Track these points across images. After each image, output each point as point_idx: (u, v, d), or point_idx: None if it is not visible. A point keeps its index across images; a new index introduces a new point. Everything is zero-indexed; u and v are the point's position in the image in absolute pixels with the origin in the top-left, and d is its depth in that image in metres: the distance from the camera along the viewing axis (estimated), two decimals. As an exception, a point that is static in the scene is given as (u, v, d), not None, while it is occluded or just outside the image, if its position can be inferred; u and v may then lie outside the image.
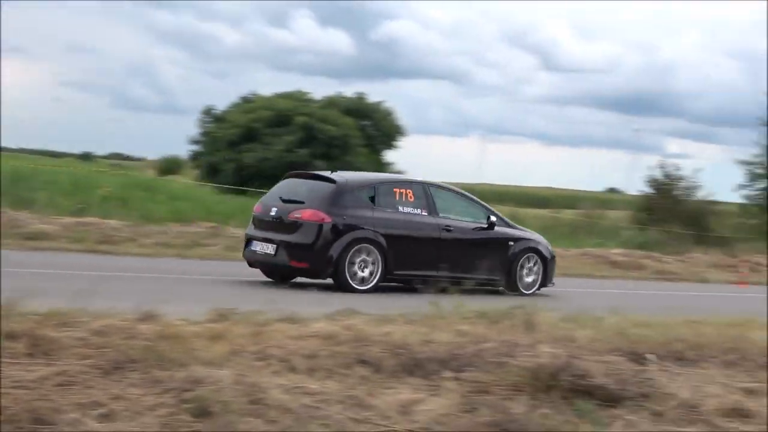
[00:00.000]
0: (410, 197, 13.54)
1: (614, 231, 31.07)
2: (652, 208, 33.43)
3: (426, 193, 13.73)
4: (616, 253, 23.88)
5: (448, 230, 13.58)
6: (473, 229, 13.88)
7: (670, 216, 32.30)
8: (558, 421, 4.71)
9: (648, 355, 6.12)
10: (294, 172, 14.91)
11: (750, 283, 21.46)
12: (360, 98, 41.59)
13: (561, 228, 32.12)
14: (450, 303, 7.40)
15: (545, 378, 5.14)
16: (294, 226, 12.74)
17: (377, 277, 12.83)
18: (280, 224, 12.93)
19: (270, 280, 13.20)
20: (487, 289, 13.52)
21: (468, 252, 13.67)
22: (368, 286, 12.72)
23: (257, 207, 13.61)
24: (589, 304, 8.16)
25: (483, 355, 5.60)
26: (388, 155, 41.23)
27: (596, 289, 15.59)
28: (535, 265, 14.15)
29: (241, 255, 13.55)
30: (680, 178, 34.20)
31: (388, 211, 13.21)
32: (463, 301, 7.54)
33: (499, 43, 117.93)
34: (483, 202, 14.55)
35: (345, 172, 14.71)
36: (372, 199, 13.18)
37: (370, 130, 40.46)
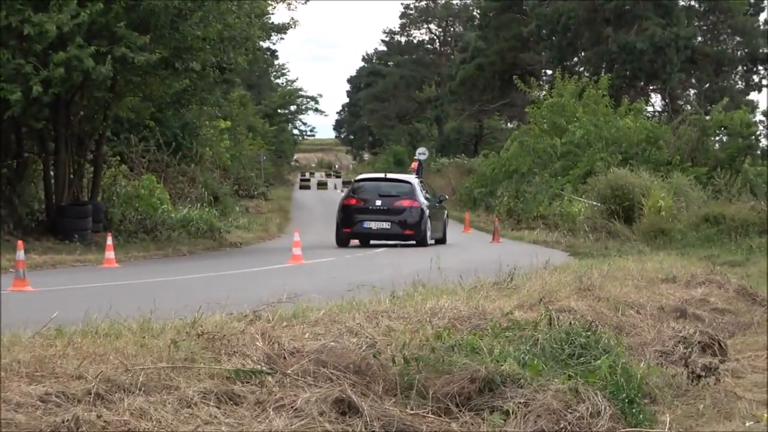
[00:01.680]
0: (424, 186, 23.84)
1: None
2: None
3: (422, 183, 24.29)
4: None
5: (440, 201, 24.03)
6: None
7: None
8: None
9: None
10: (363, 176, 25.57)
11: None
12: None
13: None
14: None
15: None
16: (400, 210, 21.20)
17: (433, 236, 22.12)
18: (387, 210, 21.21)
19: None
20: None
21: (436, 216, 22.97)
22: (432, 242, 21.85)
23: (351, 200, 21.57)
24: None
25: None
26: None
27: None
28: None
29: (338, 235, 21.63)
30: None
31: (427, 196, 22.66)
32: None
33: None
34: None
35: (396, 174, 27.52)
36: (422, 190, 22.35)
37: None
